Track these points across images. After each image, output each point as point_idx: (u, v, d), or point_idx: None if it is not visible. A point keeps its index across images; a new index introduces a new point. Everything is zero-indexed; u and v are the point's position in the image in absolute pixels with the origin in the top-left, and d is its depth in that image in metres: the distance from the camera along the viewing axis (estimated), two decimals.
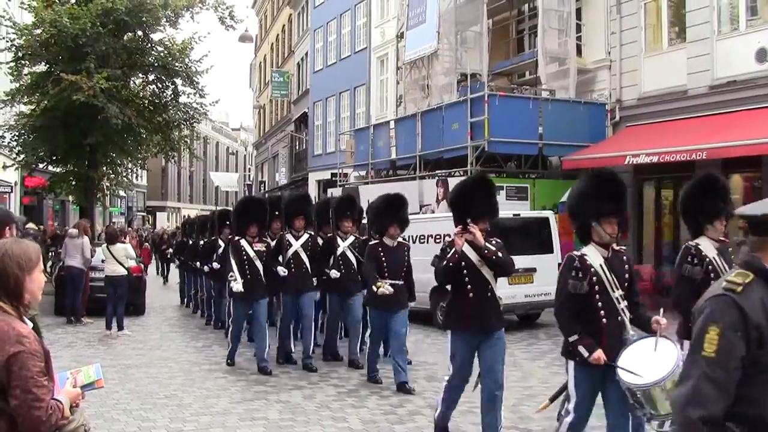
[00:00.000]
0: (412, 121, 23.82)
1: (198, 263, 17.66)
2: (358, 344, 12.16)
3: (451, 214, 7.92)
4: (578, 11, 22.33)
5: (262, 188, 58.52)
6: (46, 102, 23.52)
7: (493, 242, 7.46)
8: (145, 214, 77.37)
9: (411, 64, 26.23)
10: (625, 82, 21.05)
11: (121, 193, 43.49)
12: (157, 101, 27.01)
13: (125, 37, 25.72)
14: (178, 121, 27.38)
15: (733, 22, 18.54)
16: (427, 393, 10.09)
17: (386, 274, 10.27)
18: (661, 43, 20.60)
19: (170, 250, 29.73)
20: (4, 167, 29.34)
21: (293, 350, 12.43)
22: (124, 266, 16.12)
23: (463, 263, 7.32)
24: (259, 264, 11.76)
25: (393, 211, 10.56)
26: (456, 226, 7.39)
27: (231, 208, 18.86)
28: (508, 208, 18.15)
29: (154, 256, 35.68)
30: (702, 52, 18.56)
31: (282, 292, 12.25)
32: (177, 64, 26.05)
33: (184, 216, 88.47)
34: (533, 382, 10.84)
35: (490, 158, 20.69)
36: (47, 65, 24.96)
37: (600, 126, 21.13)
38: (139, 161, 30.99)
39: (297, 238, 12.02)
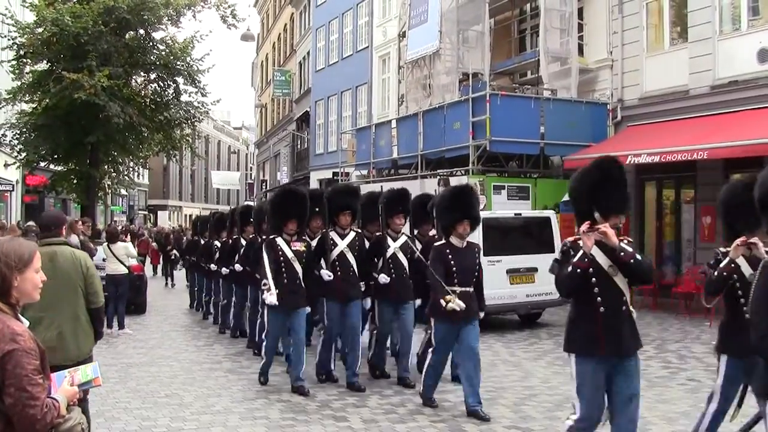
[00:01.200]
0: (414, 121, 23.81)
1: (212, 265, 16.44)
2: (410, 359, 10.76)
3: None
4: (580, 11, 22.33)
5: (264, 187, 58.52)
6: (47, 100, 23.53)
7: (626, 241, 5.97)
8: (146, 212, 77.38)
9: (413, 64, 26.23)
10: (626, 81, 21.05)
11: (123, 191, 43.52)
12: (158, 100, 27.02)
13: (127, 36, 25.72)
14: (179, 119, 27.38)
15: (734, 22, 18.52)
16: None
17: (455, 281, 8.68)
18: (662, 43, 20.58)
19: (174, 251, 29.11)
20: (6, 166, 29.35)
21: (333, 366, 10.96)
22: (125, 265, 16.13)
23: (591, 270, 5.89)
24: (297, 267, 10.05)
25: (461, 206, 8.91)
26: (581, 223, 5.98)
27: (253, 204, 18.13)
28: (509, 208, 18.22)
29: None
30: (703, 52, 18.55)
31: (325, 300, 10.53)
32: (179, 62, 26.07)
33: (188, 215, 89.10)
34: (534, 382, 10.81)
35: (491, 158, 20.69)
36: (49, 63, 24.96)
37: (601, 126, 21.13)
38: (141, 160, 31.00)
39: (343, 237, 10.52)
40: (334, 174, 32.53)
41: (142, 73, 27.31)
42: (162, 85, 27.21)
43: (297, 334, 10.22)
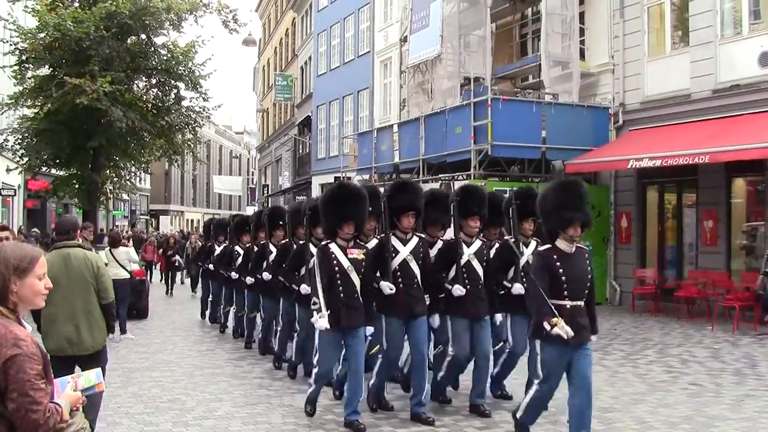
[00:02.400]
0: (416, 125, 23.82)
1: (233, 273, 15.18)
2: (487, 385, 9.42)
3: None
4: (581, 15, 22.34)
5: (266, 192, 58.55)
6: (49, 105, 23.56)
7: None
8: (148, 217, 77.38)
9: (414, 68, 26.24)
10: (628, 85, 21.05)
11: (125, 196, 43.49)
12: (160, 105, 27.05)
13: (129, 41, 25.78)
14: (180, 124, 27.41)
15: (736, 26, 18.53)
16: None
17: (565, 294, 7.19)
18: (664, 47, 20.59)
19: (177, 258, 28.39)
20: (8, 170, 29.38)
21: (387, 391, 9.67)
22: (126, 270, 16.14)
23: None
24: (355, 278, 8.44)
25: (573, 202, 7.43)
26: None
27: (284, 206, 15.92)
28: None
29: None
30: (705, 56, 18.56)
31: (385, 317, 8.95)
32: (180, 67, 26.11)
33: (190, 220, 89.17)
34: None
35: (493, 162, 20.69)
36: (51, 68, 25.01)
37: (603, 130, 21.13)
38: (143, 165, 31.00)
39: (405, 243, 8.95)
40: (336, 179, 32.48)
41: (143, 78, 27.35)
42: (163, 90, 27.24)
43: (355, 358, 8.52)
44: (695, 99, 18.85)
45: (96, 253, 8.33)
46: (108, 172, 28.17)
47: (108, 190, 29.51)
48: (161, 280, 30.25)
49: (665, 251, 20.66)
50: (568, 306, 7.10)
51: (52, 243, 26.54)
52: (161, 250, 30.48)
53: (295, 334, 11.49)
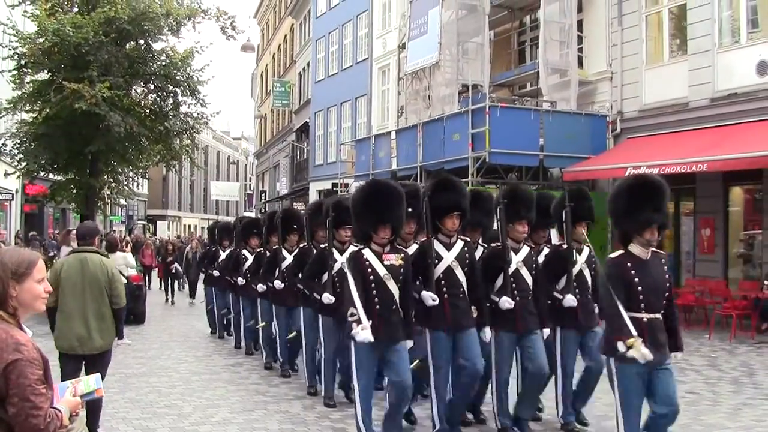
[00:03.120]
0: (414, 132, 23.85)
1: (240, 278, 14.27)
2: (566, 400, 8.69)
3: None
4: (579, 23, 22.39)
5: (263, 198, 58.53)
6: (48, 110, 23.53)
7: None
8: (145, 222, 77.39)
9: (412, 75, 26.28)
10: (626, 94, 21.09)
11: (122, 201, 43.52)
12: (158, 110, 27.06)
13: (127, 46, 25.76)
14: (178, 130, 27.41)
15: (734, 35, 18.58)
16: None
17: (642, 306, 6.38)
18: (662, 56, 20.64)
19: (176, 265, 27.12)
20: (6, 175, 29.35)
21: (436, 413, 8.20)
22: (123, 275, 16.11)
23: None
24: (393, 287, 7.49)
25: (650, 201, 6.53)
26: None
27: (300, 208, 15.22)
28: None
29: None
30: (703, 65, 18.61)
31: (428, 330, 8.02)
32: (179, 73, 26.12)
33: (187, 225, 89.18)
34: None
35: (491, 169, 20.71)
36: (49, 73, 25.00)
37: (601, 138, 21.17)
38: (140, 170, 30.99)
39: (449, 248, 8.05)
40: (334, 185, 32.57)
41: (142, 84, 27.36)
42: (162, 95, 27.25)
43: (397, 375, 7.44)
44: (693, 107, 18.89)
45: (111, 260, 8.65)
46: (106, 177, 28.14)
47: (106, 195, 29.48)
48: (160, 287, 28.92)
49: None
50: (645, 319, 6.33)
51: (55, 248, 26.62)
52: (159, 258, 29.68)
53: (320, 349, 10.37)
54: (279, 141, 52.95)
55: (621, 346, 6.08)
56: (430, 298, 7.71)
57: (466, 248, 8.14)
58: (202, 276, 24.74)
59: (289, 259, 11.80)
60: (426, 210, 8.00)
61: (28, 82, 25.40)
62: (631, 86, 20.95)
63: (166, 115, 26.86)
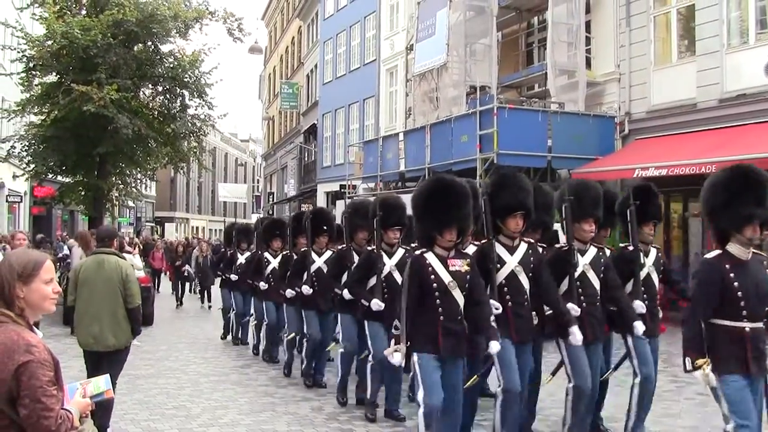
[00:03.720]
0: (421, 133, 23.85)
1: (262, 283, 13.42)
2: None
3: None
4: (587, 24, 22.36)
5: (271, 200, 58.56)
6: (56, 112, 23.61)
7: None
8: (153, 224, 77.51)
9: (420, 77, 26.27)
10: (634, 95, 21.06)
11: (130, 203, 43.63)
12: (166, 112, 27.12)
13: (135, 49, 25.85)
14: (186, 132, 27.46)
15: (742, 36, 18.54)
16: None
17: (743, 313, 5.70)
18: (670, 57, 20.60)
19: (187, 267, 26.02)
20: (15, 177, 29.46)
21: None
22: None
23: None
24: (458, 296, 6.62)
25: (752, 194, 5.85)
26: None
27: (325, 207, 13.85)
28: None
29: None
30: (711, 66, 18.57)
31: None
32: (187, 75, 26.19)
33: (195, 227, 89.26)
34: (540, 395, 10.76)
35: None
36: (58, 76, 25.09)
37: (609, 139, 21.14)
38: (148, 172, 31.06)
39: (512, 251, 7.28)
40: (341, 187, 32.55)
41: (150, 86, 27.42)
42: (169, 97, 27.31)
43: (451, 393, 6.67)
44: (701, 108, 18.85)
45: (126, 261, 8.91)
46: (114, 179, 28.22)
47: (114, 197, 29.57)
48: (172, 292, 27.08)
49: (671, 260, 20.60)
50: (747, 329, 5.65)
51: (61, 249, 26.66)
52: (169, 260, 28.36)
53: (369, 361, 9.36)
54: (287, 143, 52.99)
55: (688, 364, 5.68)
56: (494, 306, 6.93)
57: (530, 251, 7.35)
58: (216, 279, 24.69)
59: (318, 262, 11.23)
60: (486, 209, 7.25)
61: (36, 85, 25.51)
62: (639, 87, 20.91)
63: (174, 117, 26.92)
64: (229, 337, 16.65)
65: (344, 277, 9.82)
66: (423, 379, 6.52)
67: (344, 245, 10.38)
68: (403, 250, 9.17)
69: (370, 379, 9.38)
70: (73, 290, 8.40)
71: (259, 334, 14.61)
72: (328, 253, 11.23)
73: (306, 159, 47.15)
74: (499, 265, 7.18)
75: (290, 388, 11.35)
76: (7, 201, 34.28)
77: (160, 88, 27.40)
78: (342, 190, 32.08)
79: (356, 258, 9.67)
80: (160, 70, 26.46)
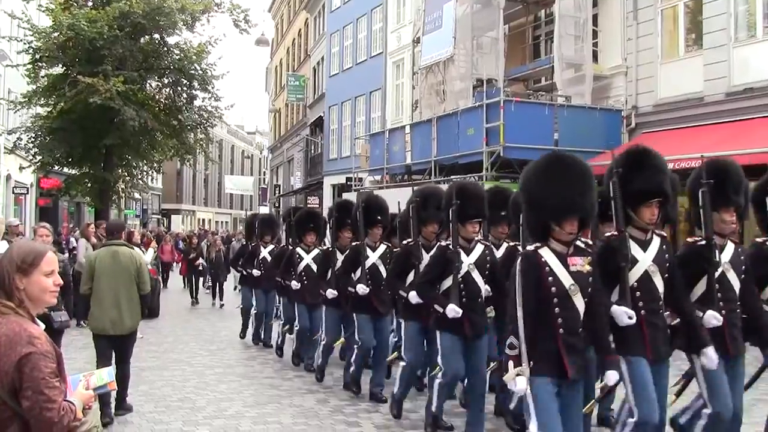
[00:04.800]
0: (428, 126, 23.81)
1: (294, 281, 12.01)
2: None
3: None
4: (595, 17, 22.29)
5: (277, 192, 58.58)
6: (62, 104, 23.66)
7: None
8: (160, 216, 77.58)
9: (427, 69, 26.22)
10: (641, 88, 20.99)
11: (137, 195, 43.68)
12: (172, 104, 27.13)
13: (142, 41, 25.88)
14: (193, 124, 27.48)
15: (749, 29, 18.47)
16: None
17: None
18: (677, 50, 20.53)
19: (201, 261, 24.11)
20: (21, 169, 29.52)
21: None
22: None
23: None
24: (580, 303, 5.40)
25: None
26: None
27: (376, 195, 11.08)
28: None
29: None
30: (719, 59, 18.50)
31: (625, 357, 5.88)
32: (193, 67, 26.20)
33: (202, 219, 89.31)
34: None
35: (505, 164, 20.63)
36: (64, 67, 25.12)
37: (616, 132, 21.06)
38: (155, 164, 31.10)
39: (645, 246, 6.01)
40: (348, 179, 32.57)
41: (156, 78, 27.44)
42: (176, 89, 27.33)
43: (576, 426, 5.49)
44: (708, 102, 18.78)
45: (139, 251, 9.96)
46: (120, 171, 28.27)
47: (120, 189, 29.65)
48: (184, 287, 25.71)
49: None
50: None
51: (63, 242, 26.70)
52: (182, 254, 26.85)
53: (437, 376, 7.93)
54: (293, 135, 52.97)
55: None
56: (625, 314, 5.68)
57: (664, 247, 6.07)
58: (228, 275, 23.95)
59: (373, 257, 9.88)
60: (615, 195, 5.99)
61: (42, 77, 25.56)
62: (646, 81, 20.84)
63: (180, 109, 26.94)
64: (248, 337, 15.59)
65: (410, 277, 8.83)
66: (539, 411, 5.22)
67: (410, 239, 9.03)
68: (483, 246, 7.86)
69: (437, 395, 8.06)
70: (88, 280, 9.01)
71: (284, 336, 13.51)
72: (382, 248, 9.99)
73: (312, 151, 47.12)
74: (631, 264, 5.87)
75: (295, 381, 11.37)
76: (13, 192, 34.36)
77: (166, 81, 27.42)
78: (348, 183, 32.08)
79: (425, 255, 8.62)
80: (166, 62, 26.48)
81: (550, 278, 5.24)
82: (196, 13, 26.05)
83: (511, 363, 5.18)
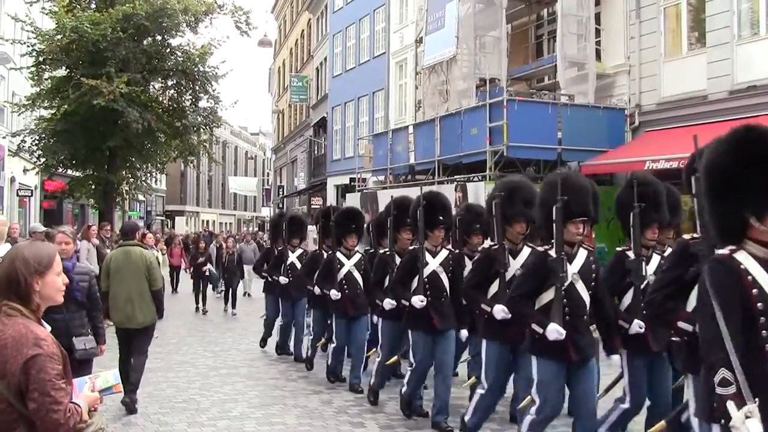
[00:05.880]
0: (431, 126, 23.79)
1: (333, 291, 10.54)
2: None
3: None
4: (597, 16, 22.25)
5: (281, 193, 58.64)
6: (66, 106, 23.70)
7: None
8: (163, 218, 77.65)
9: (430, 69, 26.20)
10: (644, 86, 20.96)
11: (140, 197, 43.76)
12: (175, 106, 27.17)
13: (145, 42, 25.91)
14: (197, 125, 27.51)
15: (753, 27, 18.43)
16: None
17: None
18: (680, 48, 20.49)
19: (208, 266, 22.25)
20: (25, 171, 29.58)
21: None
22: None
23: None
24: None
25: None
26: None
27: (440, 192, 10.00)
28: None
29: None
30: (722, 57, 18.47)
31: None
32: (196, 69, 26.25)
33: (206, 220, 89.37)
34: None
35: (509, 163, 20.62)
36: (68, 70, 25.19)
37: (619, 131, 21.04)
38: (158, 165, 31.14)
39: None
40: (351, 180, 32.56)
41: (160, 80, 27.49)
42: (179, 91, 27.38)
43: None
44: (712, 100, 18.75)
45: (150, 251, 10.63)
46: (124, 172, 28.32)
47: (124, 191, 29.67)
48: (192, 291, 22.93)
49: None
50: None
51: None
52: (190, 257, 24.85)
53: (529, 411, 6.55)
54: (296, 136, 53.02)
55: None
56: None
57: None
58: (244, 281, 23.06)
59: (433, 264, 8.45)
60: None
61: (46, 79, 25.62)
62: (649, 79, 20.81)
63: (184, 111, 26.98)
64: (269, 347, 14.38)
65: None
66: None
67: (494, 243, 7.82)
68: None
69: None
70: (106, 278, 9.67)
71: (315, 350, 12.40)
72: (444, 253, 8.54)
73: (316, 152, 47.15)
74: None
75: (300, 382, 11.38)
76: (17, 195, 34.40)
77: (169, 82, 27.47)
78: (352, 184, 32.08)
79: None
80: (169, 63, 26.52)
81: (756, 291, 3.79)
82: (199, 14, 26.10)
83: (731, 404, 3.60)
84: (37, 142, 26.13)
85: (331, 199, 38.69)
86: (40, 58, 24.98)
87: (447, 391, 8.49)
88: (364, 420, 9.03)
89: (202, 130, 28.29)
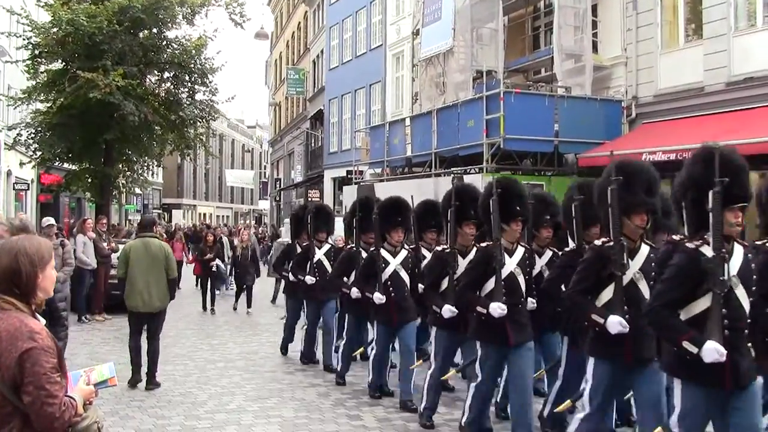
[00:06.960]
0: (428, 119, 23.77)
1: (377, 294, 9.25)
2: None
3: None
4: (594, 8, 22.22)
5: (278, 186, 58.62)
6: (62, 99, 23.62)
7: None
8: (160, 211, 77.62)
9: (426, 62, 26.18)
10: (641, 78, 20.95)
11: (137, 190, 43.70)
12: (172, 99, 27.11)
13: (141, 35, 25.84)
14: (193, 118, 27.47)
15: (750, 18, 18.42)
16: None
17: None
18: (677, 40, 20.48)
19: (217, 262, 20.57)
20: (21, 165, 29.52)
21: None
22: None
23: None
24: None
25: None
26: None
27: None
28: None
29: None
30: (719, 49, 18.46)
31: None
32: (192, 61, 26.20)
33: (203, 213, 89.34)
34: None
35: (505, 155, 20.62)
36: (64, 63, 25.11)
37: (616, 123, 21.03)
38: (155, 158, 31.09)
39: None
40: (348, 172, 32.55)
41: (156, 72, 27.44)
42: (176, 83, 27.33)
43: None
44: (709, 92, 18.74)
45: (166, 243, 11.88)
46: (120, 166, 28.27)
47: (120, 184, 29.64)
48: (197, 287, 21.92)
49: None
50: None
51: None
52: (197, 253, 22.42)
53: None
54: (293, 129, 52.99)
55: None
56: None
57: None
58: (257, 278, 20.68)
59: (510, 264, 7.26)
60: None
61: (42, 72, 25.54)
62: (646, 71, 20.80)
63: (180, 104, 26.93)
64: (291, 352, 13.10)
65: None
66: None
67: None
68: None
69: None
70: (123, 266, 10.56)
71: (349, 362, 10.95)
72: (520, 251, 7.42)
73: (313, 145, 47.14)
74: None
75: (297, 374, 11.38)
76: (14, 188, 34.37)
77: (166, 75, 27.41)
78: (349, 176, 32.07)
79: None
80: (165, 56, 26.47)
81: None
82: (195, 6, 26.05)
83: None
84: (33, 135, 26.06)
85: (329, 192, 38.70)
86: (36, 51, 24.89)
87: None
88: (361, 413, 9.03)
89: (198, 122, 28.21)
